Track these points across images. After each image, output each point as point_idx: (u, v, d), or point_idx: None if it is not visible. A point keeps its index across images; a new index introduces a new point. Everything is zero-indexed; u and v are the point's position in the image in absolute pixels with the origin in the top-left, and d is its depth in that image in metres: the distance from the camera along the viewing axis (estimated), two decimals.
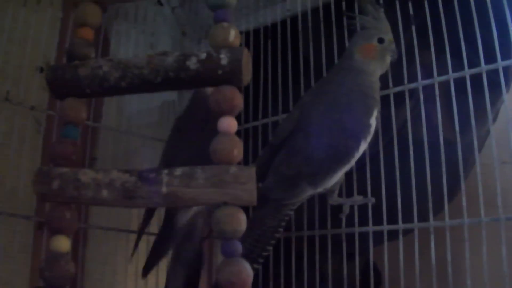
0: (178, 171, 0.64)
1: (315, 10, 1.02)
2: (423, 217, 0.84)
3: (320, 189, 0.85)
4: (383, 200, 0.86)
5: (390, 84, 0.91)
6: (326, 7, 1.00)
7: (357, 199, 0.90)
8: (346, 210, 0.92)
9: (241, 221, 0.62)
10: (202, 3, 1.15)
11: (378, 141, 0.89)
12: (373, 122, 0.85)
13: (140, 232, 1.01)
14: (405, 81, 0.89)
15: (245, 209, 0.63)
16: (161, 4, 1.24)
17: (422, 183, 0.83)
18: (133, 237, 1.14)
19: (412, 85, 0.89)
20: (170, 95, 1.21)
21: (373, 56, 0.87)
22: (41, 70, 0.72)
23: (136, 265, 1.13)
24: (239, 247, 0.62)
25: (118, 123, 1.14)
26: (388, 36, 0.88)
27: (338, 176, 0.85)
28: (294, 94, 1.01)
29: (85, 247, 1.10)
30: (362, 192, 0.90)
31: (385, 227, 0.87)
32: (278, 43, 1.06)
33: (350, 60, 0.88)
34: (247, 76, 0.66)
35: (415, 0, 0.89)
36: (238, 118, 1.08)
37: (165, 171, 0.64)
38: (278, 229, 0.84)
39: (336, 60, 0.94)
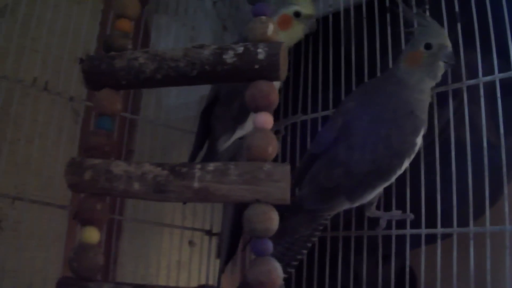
0: (211, 166, 0.62)
1: (358, 7, 0.99)
2: (463, 222, 0.80)
3: (357, 204, 0.83)
4: (422, 203, 0.83)
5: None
6: (370, 4, 0.97)
7: (395, 214, 0.87)
8: (383, 224, 0.88)
9: (273, 220, 0.60)
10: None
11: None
12: (419, 141, 0.81)
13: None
14: (449, 80, 0.85)
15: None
16: None
17: (463, 186, 0.80)
18: (167, 230, 1.14)
19: (456, 85, 0.85)
20: (208, 89, 1.20)
21: (419, 64, 0.81)
22: (81, 61, 0.71)
23: (169, 258, 1.13)
24: (270, 246, 0.61)
25: (156, 116, 1.14)
26: (439, 41, 0.81)
27: (377, 191, 0.82)
28: (334, 92, 0.98)
29: (118, 239, 1.10)
30: (401, 195, 0.87)
31: (423, 231, 0.83)
32: (320, 39, 1.03)
33: (396, 70, 0.84)
34: (284, 72, 0.64)
35: None
36: (277, 114, 1.09)
37: (198, 165, 0.63)
38: (311, 238, 0.82)
39: (378, 59, 0.92)
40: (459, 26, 0.84)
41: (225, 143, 0.93)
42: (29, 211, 0.94)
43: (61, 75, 0.97)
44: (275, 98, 0.63)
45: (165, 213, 1.14)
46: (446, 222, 0.81)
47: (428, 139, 0.86)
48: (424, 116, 0.82)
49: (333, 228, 0.95)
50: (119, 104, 0.69)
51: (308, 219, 0.82)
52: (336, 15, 1.03)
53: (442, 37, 0.82)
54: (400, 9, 0.86)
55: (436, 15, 0.86)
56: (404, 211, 0.86)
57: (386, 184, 0.81)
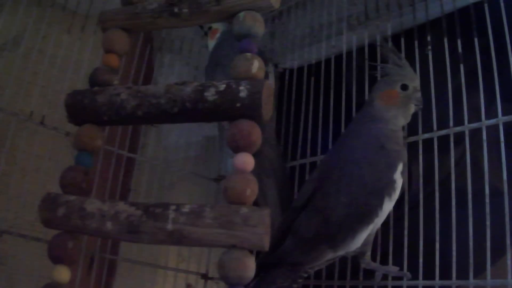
0: (187, 207, 0.59)
1: (360, 49, 0.97)
2: (464, 275, 0.75)
3: (341, 252, 0.78)
4: (420, 254, 0.78)
5: (435, 127, 0.83)
6: (372, 46, 0.95)
7: (392, 269, 0.82)
8: (378, 278, 0.83)
9: (248, 267, 0.57)
10: None
11: (418, 191, 0.82)
12: (398, 177, 0.77)
13: None
14: (451, 123, 0.82)
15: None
16: None
17: (465, 236, 0.75)
18: (160, 272, 1.11)
19: (458, 129, 0.81)
20: (211, 130, 1.18)
21: (395, 102, 0.81)
22: None
23: None
24: None
25: (155, 155, 1.12)
26: (414, 84, 0.81)
27: (362, 237, 0.77)
28: (334, 133, 0.95)
29: (111, 279, 1.07)
30: (399, 244, 0.82)
31: (421, 282, 0.78)
32: (321, 81, 1.01)
33: (369, 107, 0.83)
34: (268, 111, 0.62)
35: (465, 38, 0.83)
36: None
37: (173, 206, 0.60)
38: None
39: None
40: (461, 67, 0.81)
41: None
42: (19, 246, 0.92)
43: (58, 109, 0.96)
44: (256, 138, 0.60)
45: (160, 253, 1.11)
46: (446, 275, 0.76)
47: (429, 188, 0.82)
48: (399, 148, 0.79)
49: (328, 277, 0.90)
50: (99, 140, 0.67)
51: (289, 270, 0.77)
52: (337, 57, 1.01)
53: (416, 81, 0.82)
54: (378, 44, 0.84)
55: (439, 57, 0.83)
56: (402, 262, 0.81)
57: (370, 228, 0.77)
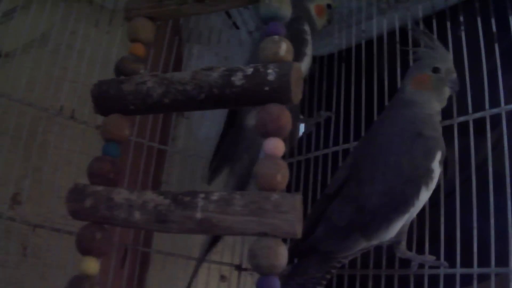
0: (216, 195, 0.56)
1: (391, 34, 0.93)
2: (503, 262, 0.70)
3: (375, 242, 0.74)
4: (457, 241, 0.74)
5: (470, 110, 0.78)
6: (403, 30, 0.91)
7: (428, 259, 0.78)
8: (414, 267, 0.79)
9: (280, 255, 0.53)
10: None
11: (454, 177, 0.77)
12: (436, 166, 0.73)
13: (200, 260, 0.95)
14: (487, 106, 0.77)
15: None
16: (237, 27, 1.18)
17: (503, 222, 0.70)
18: (194, 263, 1.08)
19: (494, 111, 0.76)
20: None
21: (427, 86, 0.76)
22: None
23: None
24: (276, 284, 0.54)
25: (186, 147, 1.09)
26: (446, 66, 0.77)
27: (397, 227, 0.73)
28: (367, 120, 0.91)
29: (145, 271, 1.05)
30: (435, 232, 0.77)
31: (458, 270, 0.74)
32: (352, 67, 0.97)
33: (402, 93, 0.78)
34: (297, 94, 0.58)
35: (499, 17, 0.77)
36: (308, 146, 1.03)
37: (202, 194, 0.57)
38: (322, 281, 0.74)
39: None
40: (496, 47, 0.76)
41: (253, 118, 0.88)
42: (52, 239, 0.90)
43: (88, 103, 0.94)
44: (286, 122, 0.57)
45: (193, 245, 1.09)
46: (484, 262, 0.72)
47: (465, 173, 0.77)
48: (437, 135, 0.75)
49: (363, 266, 0.86)
50: (127, 130, 0.64)
51: (321, 260, 0.74)
52: (368, 42, 0.96)
53: (449, 63, 0.77)
54: (409, 27, 0.79)
55: (473, 38, 0.79)
56: (439, 250, 0.76)
57: (405, 218, 0.73)
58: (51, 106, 0.93)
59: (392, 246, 0.79)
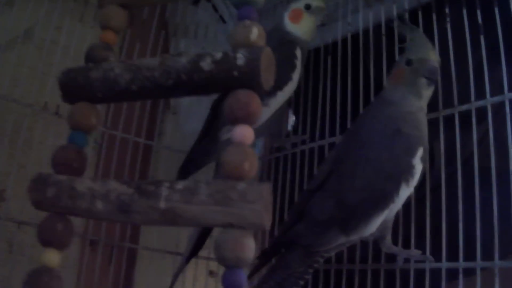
0: (181, 184, 0.53)
1: (377, 27, 0.90)
2: (489, 256, 0.67)
3: (354, 237, 0.72)
4: (443, 236, 0.70)
5: (455, 102, 0.75)
6: (390, 22, 0.88)
7: (414, 253, 0.75)
8: (400, 261, 0.76)
9: (246, 247, 0.50)
10: (269, 21, 1.06)
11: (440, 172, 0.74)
12: (417, 162, 0.70)
13: (186, 258, 0.92)
14: (472, 98, 0.73)
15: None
16: (224, 21, 1.15)
17: (489, 217, 0.67)
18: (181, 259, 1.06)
19: (480, 103, 0.72)
20: None
21: (401, 81, 0.73)
22: None
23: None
24: (242, 278, 0.50)
25: (172, 142, 1.07)
26: (419, 55, 0.72)
27: (376, 223, 0.71)
28: (353, 114, 0.89)
29: (132, 268, 1.02)
30: (421, 227, 0.74)
31: (444, 265, 0.71)
32: (338, 60, 0.94)
33: (382, 90, 0.76)
34: (268, 80, 0.55)
35: (485, 9, 0.74)
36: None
37: (167, 183, 0.53)
38: (304, 276, 0.73)
39: None
40: (482, 39, 0.72)
41: (227, 133, 0.86)
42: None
43: None
44: (255, 108, 0.53)
45: (181, 240, 1.06)
46: (470, 257, 0.68)
47: (451, 167, 0.74)
48: (419, 133, 0.71)
49: (349, 261, 0.84)
50: (94, 118, 0.61)
51: (303, 255, 0.72)
52: (354, 36, 0.93)
53: (424, 52, 0.73)
54: (395, 24, 0.77)
55: (459, 30, 0.75)
56: (425, 244, 0.73)
57: (384, 213, 0.70)
58: (36, 102, 0.91)
59: (377, 241, 0.76)
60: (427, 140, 0.72)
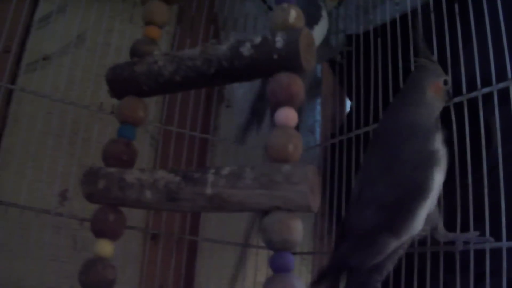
0: (226, 170, 0.52)
1: (425, 5, 0.85)
2: None
3: (405, 237, 0.66)
4: (502, 214, 0.66)
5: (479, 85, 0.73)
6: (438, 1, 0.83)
7: (472, 235, 0.70)
8: (460, 246, 0.71)
9: (293, 229, 0.48)
10: None
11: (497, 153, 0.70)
12: (439, 146, 0.67)
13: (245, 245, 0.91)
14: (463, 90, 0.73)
15: None
16: None
17: None
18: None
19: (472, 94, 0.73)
20: None
21: (440, 95, 0.74)
22: None
23: (244, 278, 1.03)
24: (290, 261, 0.49)
25: (227, 135, 1.06)
26: (449, 81, 0.75)
27: (422, 216, 0.66)
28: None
29: (194, 259, 1.02)
30: (479, 208, 0.69)
31: (504, 244, 0.66)
32: (388, 43, 0.90)
33: (423, 95, 0.73)
34: (308, 62, 0.53)
35: None
36: (342, 127, 0.97)
37: (212, 170, 0.52)
38: None
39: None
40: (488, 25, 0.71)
41: None
42: None
43: None
44: (297, 90, 0.52)
45: (241, 231, 1.05)
46: None
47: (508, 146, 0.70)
48: (431, 122, 0.71)
49: (420, 243, 0.78)
50: (141, 111, 0.61)
51: (359, 277, 0.66)
52: (403, 17, 0.89)
53: (448, 79, 0.76)
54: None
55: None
56: (483, 225, 0.68)
57: (426, 204, 0.66)
58: (92, 103, 0.92)
59: (432, 235, 0.72)
60: (439, 127, 0.70)
